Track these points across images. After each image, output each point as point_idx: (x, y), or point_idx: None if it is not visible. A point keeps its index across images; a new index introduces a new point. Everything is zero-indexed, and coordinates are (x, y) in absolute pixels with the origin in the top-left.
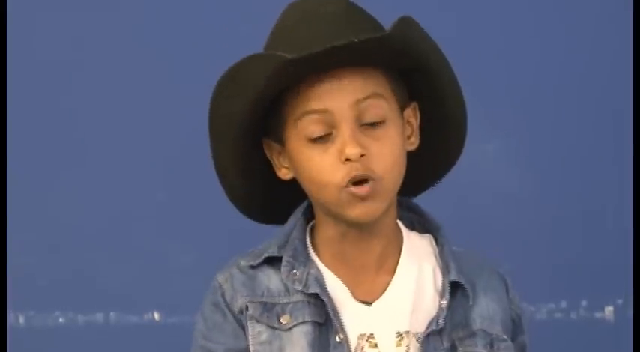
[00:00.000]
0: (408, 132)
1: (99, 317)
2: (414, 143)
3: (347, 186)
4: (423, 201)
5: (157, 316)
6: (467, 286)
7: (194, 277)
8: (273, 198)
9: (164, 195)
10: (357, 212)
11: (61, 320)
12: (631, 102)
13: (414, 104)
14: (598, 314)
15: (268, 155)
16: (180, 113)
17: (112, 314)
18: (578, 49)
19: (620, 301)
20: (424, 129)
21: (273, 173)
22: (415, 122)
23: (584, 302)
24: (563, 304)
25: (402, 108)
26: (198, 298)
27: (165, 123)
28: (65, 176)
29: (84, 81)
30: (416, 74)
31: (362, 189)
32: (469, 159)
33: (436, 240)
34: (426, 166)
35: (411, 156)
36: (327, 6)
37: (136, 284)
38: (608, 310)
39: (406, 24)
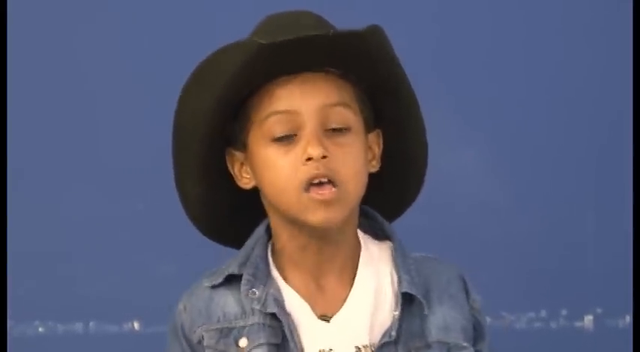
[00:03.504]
0: (370, 156)
1: (78, 326)
2: (375, 166)
3: (307, 190)
4: None
5: (136, 326)
6: (419, 297)
7: (174, 287)
8: (232, 217)
9: (144, 205)
10: (319, 217)
11: (40, 329)
12: (614, 109)
13: (378, 131)
14: (578, 324)
15: (229, 165)
16: (161, 123)
17: (91, 323)
18: (560, 57)
19: (600, 310)
20: (386, 159)
21: (234, 186)
22: (377, 149)
23: (564, 312)
24: (543, 313)
25: (367, 130)
26: None
27: (145, 134)
28: (43, 186)
29: (67, 90)
30: (381, 98)
31: (323, 193)
32: (446, 168)
33: (393, 249)
34: (389, 196)
35: (376, 185)
36: (301, 19)
37: (115, 294)
38: (588, 319)
39: (377, 29)
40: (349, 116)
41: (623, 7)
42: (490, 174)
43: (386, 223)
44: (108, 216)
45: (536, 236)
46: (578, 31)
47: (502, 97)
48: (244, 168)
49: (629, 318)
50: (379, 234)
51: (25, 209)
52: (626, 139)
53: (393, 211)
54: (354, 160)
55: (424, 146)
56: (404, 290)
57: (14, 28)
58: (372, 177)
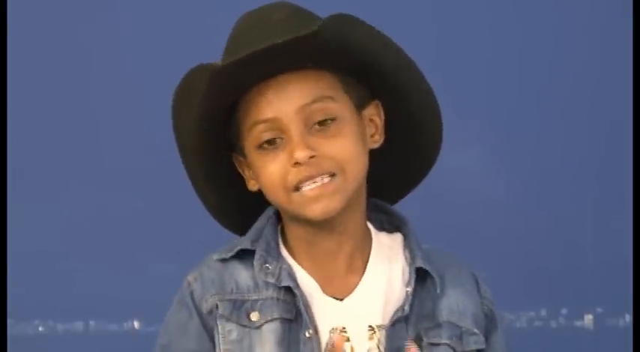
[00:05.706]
0: (372, 130)
1: (78, 325)
2: (377, 141)
3: (296, 190)
4: (402, 207)
5: (136, 324)
6: (433, 274)
7: (174, 286)
8: (247, 210)
9: (144, 204)
10: (316, 210)
11: (40, 328)
12: (611, 108)
13: (376, 102)
14: (578, 323)
15: (240, 169)
16: (160, 122)
17: (91, 322)
18: (561, 57)
19: (600, 309)
20: (392, 130)
21: (243, 184)
22: (379, 120)
23: (564, 311)
24: (543, 312)
25: (360, 107)
26: None
27: (144, 133)
28: (43, 185)
29: (67, 90)
30: (369, 71)
31: (313, 189)
32: (448, 166)
33: (405, 236)
34: (400, 170)
35: (383, 160)
36: (274, 13)
37: (115, 293)
38: (588, 318)
39: (338, 20)
40: (331, 107)
41: (623, 7)
42: (491, 174)
43: (397, 213)
44: (108, 215)
45: (537, 235)
46: (578, 31)
47: (503, 96)
48: (250, 169)
49: (628, 317)
50: (390, 227)
51: (24, 208)
52: (627, 139)
53: (411, 180)
54: (347, 148)
55: (431, 107)
56: (418, 265)
57: (14, 28)
58: (384, 150)
